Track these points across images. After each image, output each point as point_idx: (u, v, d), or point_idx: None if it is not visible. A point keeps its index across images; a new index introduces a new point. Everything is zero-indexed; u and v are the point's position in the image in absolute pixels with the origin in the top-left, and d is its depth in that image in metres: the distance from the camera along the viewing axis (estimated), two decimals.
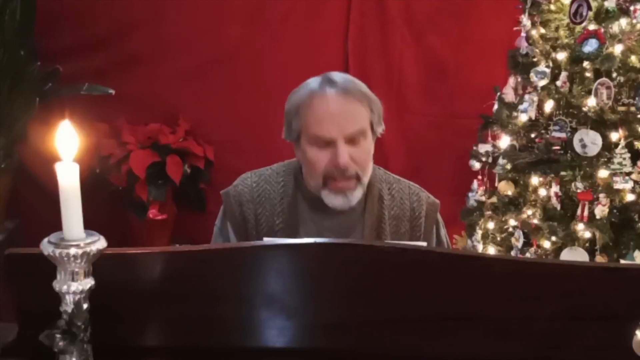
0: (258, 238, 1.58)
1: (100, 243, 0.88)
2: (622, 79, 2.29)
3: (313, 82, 1.55)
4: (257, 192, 1.62)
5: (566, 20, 2.37)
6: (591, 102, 2.25)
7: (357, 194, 1.54)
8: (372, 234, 1.59)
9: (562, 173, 2.33)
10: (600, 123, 2.28)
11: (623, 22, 2.28)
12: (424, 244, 1.59)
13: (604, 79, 2.24)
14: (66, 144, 0.86)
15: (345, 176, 1.50)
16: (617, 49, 2.25)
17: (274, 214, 1.60)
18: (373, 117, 1.54)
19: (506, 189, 2.54)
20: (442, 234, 1.71)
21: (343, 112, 1.49)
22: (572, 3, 2.31)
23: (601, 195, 2.24)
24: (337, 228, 1.59)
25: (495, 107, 2.65)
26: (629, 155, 2.24)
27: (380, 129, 1.58)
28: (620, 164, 2.24)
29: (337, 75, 1.56)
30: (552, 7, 2.44)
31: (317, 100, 1.51)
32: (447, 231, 1.75)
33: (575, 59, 2.32)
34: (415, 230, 1.64)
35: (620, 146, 2.25)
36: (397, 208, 1.63)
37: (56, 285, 0.88)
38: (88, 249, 0.86)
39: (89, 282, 0.89)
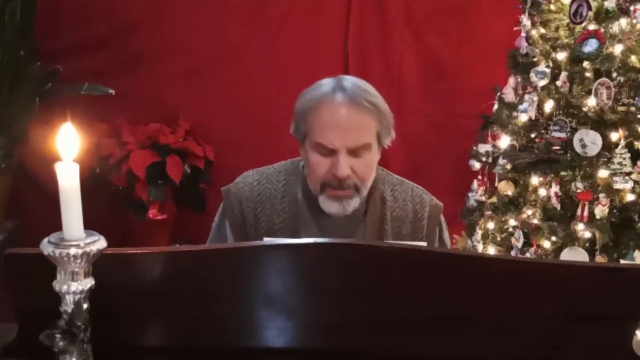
0: (257, 236, 1.57)
1: (100, 243, 0.88)
2: (622, 79, 2.28)
3: (325, 85, 1.52)
4: (258, 190, 1.62)
5: (566, 20, 2.37)
6: (591, 102, 2.25)
7: (354, 203, 1.53)
8: (373, 235, 1.58)
9: (562, 173, 2.33)
10: (600, 123, 2.28)
11: (623, 22, 2.28)
12: (424, 244, 1.59)
13: (604, 79, 2.24)
14: (67, 144, 0.86)
15: (342, 186, 1.50)
16: (617, 49, 2.25)
17: (274, 213, 1.59)
18: (381, 128, 1.51)
19: (506, 189, 2.54)
20: (444, 237, 1.70)
21: (349, 125, 1.47)
22: (572, 3, 2.31)
23: (601, 195, 2.24)
24: (338, 228, 1.58)
25: (495, 107, 2.65)
26: (629, 155, 2.24)
27: (388, 140, 1.55)
28: (620, 164, 2.23)
29: (350, 82, 1.52)
30: (552, 7, 2.43)
31: (325, 108, 1.49)
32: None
33: (575, 59, 2.32)
34: (417, 232, 1.63)
35: (620, 146, 2.25)
36: (399, 209, 1.63)
37: (56, 285, 0.88)
38: (88, 249, 0.86)
39: (89, 282, 0.89)
